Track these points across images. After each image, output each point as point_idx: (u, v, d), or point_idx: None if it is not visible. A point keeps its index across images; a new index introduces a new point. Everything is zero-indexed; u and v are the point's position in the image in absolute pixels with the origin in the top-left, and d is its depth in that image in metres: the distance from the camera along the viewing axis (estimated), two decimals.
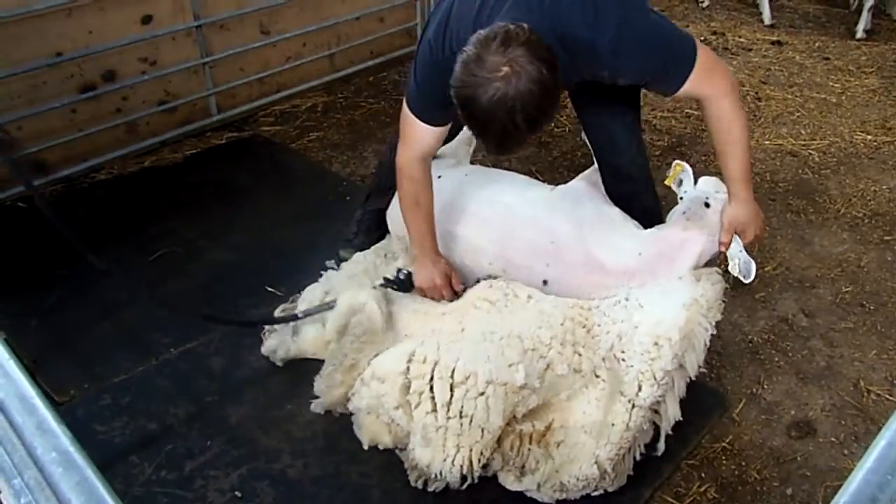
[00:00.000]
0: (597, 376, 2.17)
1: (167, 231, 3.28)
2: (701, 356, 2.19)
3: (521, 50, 1.79)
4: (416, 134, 2.27)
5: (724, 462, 2.28)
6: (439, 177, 2.52)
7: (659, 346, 2.12)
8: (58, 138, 3.55)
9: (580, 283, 2.34)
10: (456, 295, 2.43)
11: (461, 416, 2.04)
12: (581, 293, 2.32)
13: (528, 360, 2.09)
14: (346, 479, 2.19)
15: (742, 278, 2.27)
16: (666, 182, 2.45)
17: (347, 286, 2.55)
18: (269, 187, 3.64)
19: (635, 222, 2.45)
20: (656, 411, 2.17)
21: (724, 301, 2.25)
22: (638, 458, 2.17)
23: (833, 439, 2.37)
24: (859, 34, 5.41)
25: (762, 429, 2.40)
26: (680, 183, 2.41)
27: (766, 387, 2.55)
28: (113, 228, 3.30)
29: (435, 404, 2.07)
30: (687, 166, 2.40)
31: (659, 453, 2.20)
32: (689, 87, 2.08)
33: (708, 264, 2.35)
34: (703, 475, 2.23)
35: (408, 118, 2.27)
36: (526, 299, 2.25)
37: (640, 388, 2.12)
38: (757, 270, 2.31)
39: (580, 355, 2.14)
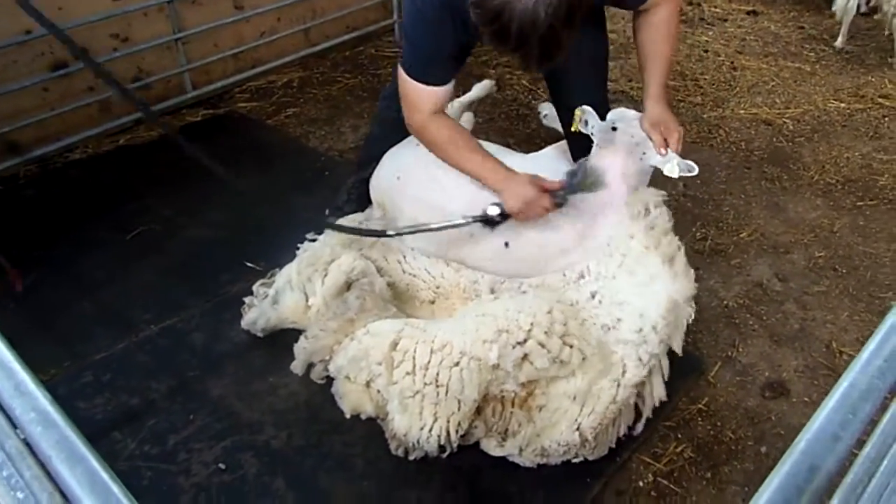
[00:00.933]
0: (587, 361, 2.18)
1: (144, 209, 3.26)
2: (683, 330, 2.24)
3: None
4: (424, 98, 2.29)
5: (700, 423, 2.33)
6: (417, 144, 2.53)
7: (644, 334, 2.16)
8: (30, 118, 3.51)
9: (535, 243, 2.39)
10: (557, 202, 2.32)
11: (437, 385, 2.07)
12: (537, 252, 2.38)
13: (502, 342, 2.07)
14: (330, 449, 2.22)
15: (687, 173, 2.27)
16: (572, 129, 2.43)
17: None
18: (246, 164, 3.62)
19: None
20: (639, 393, 2.22)
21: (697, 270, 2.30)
22: (621, 434, 2.20)
23: (806, 399, 2.43)
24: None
25: (737, 390, 2.45)
26: (586, 124, 2.39)
27: (740, 350, 2.60)
28: (89, 207, 3.27)
29: (415, 365, 2.10)
30: (586, 108, 2.38)
31: (637, 432, 2.23)
32: None
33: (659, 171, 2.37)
34: (679, 436, 2.28)
35: (409, 86, 2.29)
36: (515, 291, 2.33)
37: (624, 370, 2.16)
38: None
39: (571, 347, 2.12)
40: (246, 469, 2.15)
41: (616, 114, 2.39)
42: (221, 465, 2.15)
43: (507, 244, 2.42)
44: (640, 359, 2.16)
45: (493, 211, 2.32)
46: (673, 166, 2.28)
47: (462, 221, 2.38)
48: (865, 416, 0.73)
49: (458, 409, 2.08)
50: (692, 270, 2.26)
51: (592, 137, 2.37)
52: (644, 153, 2.31)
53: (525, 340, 2.08)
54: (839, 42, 4.85)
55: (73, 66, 3.58)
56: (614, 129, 2.34)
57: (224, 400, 2.37)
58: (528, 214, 2.30)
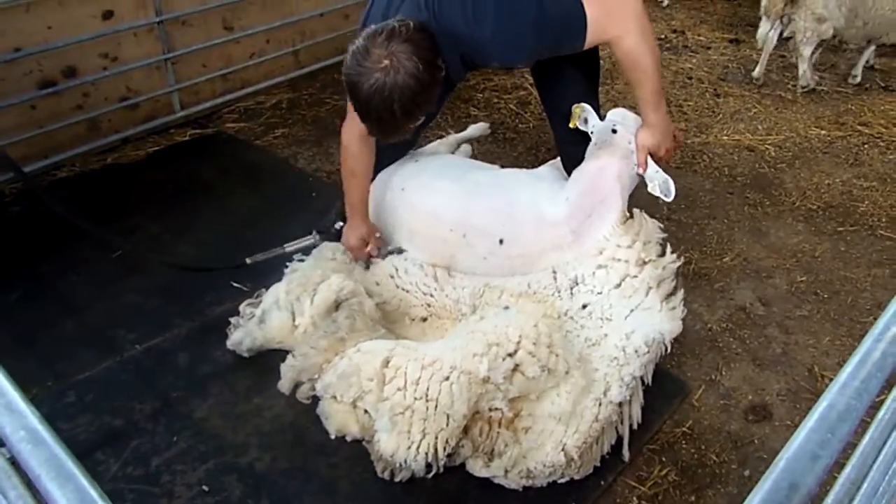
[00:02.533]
0: (570, 375, 2.23)
1: (130, 228, 3.26)
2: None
3: (403, 46, 2.00)
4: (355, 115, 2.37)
5: (684, 446, 2.34)
6: (416, 161, 2.63)
7: (627, 355, 2.24)
8: (18, 135, 3.50)
9: (529, 238, 2.48)
10: (369, 258, 2.69)
11: (427, 399, 2.08)
12: (532, 247, 2.46)
13: (492, 355, 2.13)
14: (315, 472, 2.20)
15: (664, 197, 2.40)
16: (570, 125, 2.52)
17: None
18: (233, 184, 3.63)
19: None
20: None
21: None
22: (605, 451, 2.21)
23: (788, 422, 2.44)
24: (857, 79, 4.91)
25: (720, 413, 2.46)
26: (585, 121, 2.48)
27: (724, 373, 2.62)
28: (75, 226, 3.25)
29: (406, 381, 2.10)
30: (586, 105, 2.48)
31: (626, 459, 2.24)
32: (592, 41, 2.24)
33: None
34: (663, 459, 2.29)
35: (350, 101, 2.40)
36: (501, 308, 2.36)
37: (607, 389, 2.20)
38: (676, 189, 2.45)
39: (557, 356, 2.20)
40: (230, 491, 2.13)
41: (617, 114, 2.46)
42: (205, 488, 2.14)
43: (501, 241, 2.50)
44: (622, 378, 2.21)
45: (335, 229, 2.77)
46: (654, 186, 2.40)
47: (311, 239, 2.78)
48: (843, 435, 0.75)
49: (447, 425, 2.08)
50: (683, 312, 2.38)
51: (591, 135, 2.46)
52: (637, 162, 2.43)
53: (515, 352, 2.15)
54: (756, 72, 4.86)
55: (62, 85, 3.59)
56: (614, 131, 2.43)
57: (208, 421, 2.35)
58: (348, 250, 2.70)
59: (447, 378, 2.08)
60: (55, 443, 0.74)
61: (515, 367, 2.15)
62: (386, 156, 2.80)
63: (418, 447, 2.08)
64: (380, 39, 2.01)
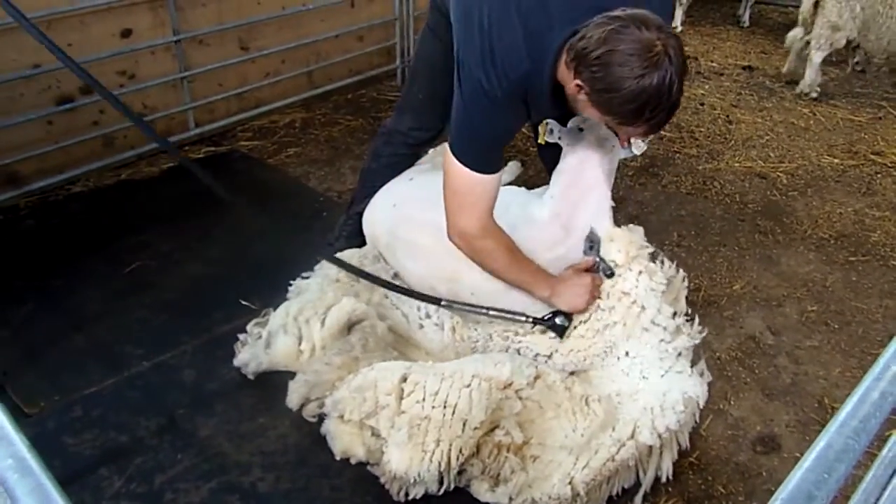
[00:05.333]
0: (589, 406, 2.24)
1: (142, 244, 3.28)
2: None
3: (655, 26, 1.80)
4: (480, 191, 2.17)
5: (691, 476, 2.32)
6: (411, 179, 2.59)
7: (664, 409, 2.24)
8: (33, 150, 3.55)
9: (521, 241, 2.42)
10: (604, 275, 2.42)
11: (445, 406, 2.07)
12: (526, 249, 2.40)
13: (516, 362, 2.18)
14: (318, 493, 2.19)
15: (637, 152, 2.40)
16: (539, 140, 2.50)
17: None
18: (246, 201, 3.65)
19: None
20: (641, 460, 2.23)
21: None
22: (615, 492, 2.18)
23: (797, 454, 2.41)
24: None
25: (728, 444, 2.44)
26: (552, 132, 2.46)
27: (732, 403, 2.60)
28: (88, 240, 3.29)
29: (425, 393, 2.10)
30: (550, 120, 2.44)
31: None
32: None
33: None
34: (670, 489, 2.26)
35: (465, 179, 2.14)
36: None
37: (635, 433, 2.19)
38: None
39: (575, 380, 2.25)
40: None
41: (577, 120, 2.45)
42: None
43: None
44: (654, 427, 2.20)
45: (558, 318, 2.40)
46: (640, 146, 2.40)
47: (524, 319, 2.42)
48: (840, 476, 0.75)
49: (463, 432, 2.07)
50: (708, 378, 2.39)
51: (560, 143, 2.45)
52: (613, 146, 2.42)
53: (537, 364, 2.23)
54: (786, 69, 5.24)
55: (79, 101, 3.64)
56: (581, 129, 2.43)
57: (212, 440, 2.35)
58: (590, 302, 2.36)
59: (468, 385, 2.09)
60: (42, 472, 0.74)
61: (537, 376, 2.20)
62: (381, 173, 2.82)
63: (431, 457, 2.06)
64: (635, 30, 1.77)
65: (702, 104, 4.94)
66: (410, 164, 2.91)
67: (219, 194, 2.21)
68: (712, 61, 5.68)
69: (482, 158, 2.13)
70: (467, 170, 2.12)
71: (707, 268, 3.30)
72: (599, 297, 2.39)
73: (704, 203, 3.81)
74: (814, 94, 4.92)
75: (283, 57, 4.49)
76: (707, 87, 5.22)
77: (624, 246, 2.40)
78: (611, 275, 2.39)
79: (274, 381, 2.52)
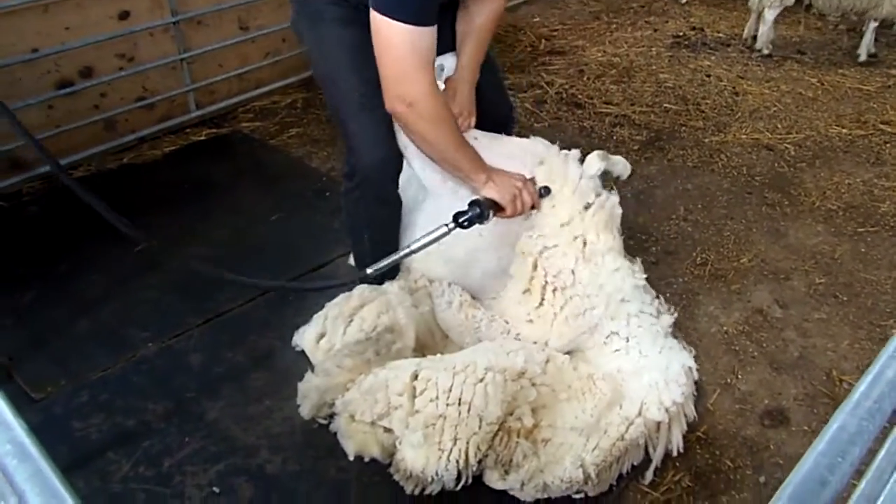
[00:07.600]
0: (595, 385, 2.24)
1: (146, 227, 3.23)
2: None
3: None
4: (422, 46, 1.95)
5: (698, 451, 2.31)
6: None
7: (668, 383, 2.25)
8: (35, 135, 3.51)
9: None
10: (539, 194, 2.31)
11: (460, 403, 2.05)
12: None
13: (528, 351, 2.18)
14: (325, 474, 2.20)
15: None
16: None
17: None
18: (248, 183, 3.64)
19: None
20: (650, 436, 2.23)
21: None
22: (625, 470, 2.18)
23: (805, 428, 2.40)
24: (862, 57, 5.01)
25: (736, 418, 2.43)
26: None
27: (740, 377, 2.58)
28: (91, 224, 3.25)
29: (438, 391, 2.08)
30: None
31: (646, 481, 2.19)
32: None
33: None
34: (677, 464, 2.26)
35: (404, 36, 1.93)
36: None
37: (643, 410, 2.19)
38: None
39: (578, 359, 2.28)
40: (240, 493, 2.13)
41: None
42: (216, 489, 2.14)
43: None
44: (661, 401, 2.21)
45: (479, 205, 2.17)
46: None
47: (445, 227, 2.17)
48: (855, 459, 0.73)
49: (479, 428, 2.05)
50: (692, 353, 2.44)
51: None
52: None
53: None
54: (746, 33, 5.32)
55: (79, 85, 3.61)
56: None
57: (220, 423, 2.35)
58: (516, 209, 2.22)
59: (481, 380, 2.06)
60: (42, 457, 0.73)
61: (548, 359, 2.23)
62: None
63: (449, 455, 2.03)
64: None
65: (708, 76, 4.87)
66: None
67: (123, 230, 2.20)
68: (718, 32, 5.59)
69: (419, 4, 1.94)
70: (406, 26, 1.91)
71: (714, 241, 3.26)
72: (533, 209, 2.30)
73: (711, 176, 3.77)
74: (766, 51, 5.09)
75: (284, 36, 4.44)
76: (713, 58, 5.14)
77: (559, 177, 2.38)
78: (547, 193, 2.33)
79: (280, 365, 2.52)
